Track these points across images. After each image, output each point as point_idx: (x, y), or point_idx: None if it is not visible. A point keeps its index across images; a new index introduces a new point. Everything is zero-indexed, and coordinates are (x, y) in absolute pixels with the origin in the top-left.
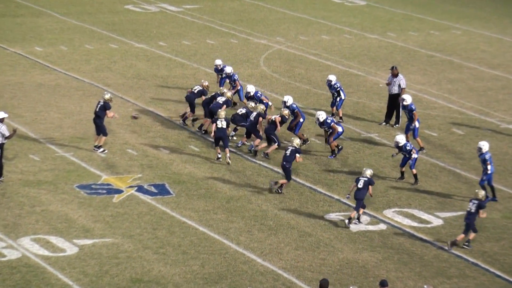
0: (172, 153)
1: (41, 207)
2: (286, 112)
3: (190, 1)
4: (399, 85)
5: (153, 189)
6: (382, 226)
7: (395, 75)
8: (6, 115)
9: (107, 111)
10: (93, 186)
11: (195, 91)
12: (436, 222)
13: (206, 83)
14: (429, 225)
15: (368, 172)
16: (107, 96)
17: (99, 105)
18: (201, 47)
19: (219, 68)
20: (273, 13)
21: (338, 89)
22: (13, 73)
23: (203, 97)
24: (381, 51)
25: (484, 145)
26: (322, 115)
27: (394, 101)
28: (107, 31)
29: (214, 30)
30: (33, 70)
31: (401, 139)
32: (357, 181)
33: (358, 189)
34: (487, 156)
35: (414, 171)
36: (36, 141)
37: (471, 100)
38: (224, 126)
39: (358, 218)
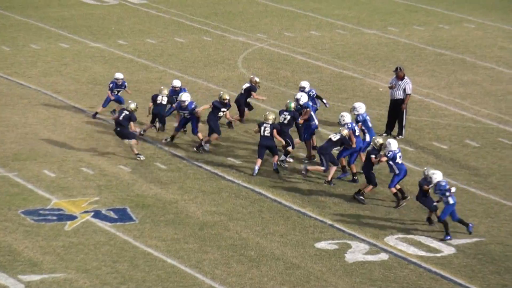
0: (134, 172)
1: None
2: (345, 132)
3: None
4: (404, 90)
5: (112, 215)
6: (384, 256)
7: (400, 77)
8: None
9: (131, 123)
10: (41, 212)
11: (243, 91)
12: (447, 250)
13: (256, 79)
14: (439, 254)
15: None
16: (132, 106)
17: (123, 114)
18: (169, 46)
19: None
20: (253, 5)
21: (314, 96)
22: None
23: (253, 94)
24: (381, 49)
25: (436, 174)
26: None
27: (397, 108)
28: (57, 28)
29: (183, 26)
30: None
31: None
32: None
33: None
34: (442, 186)
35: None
36: None
37: (487, 106)
38: (268, 134)
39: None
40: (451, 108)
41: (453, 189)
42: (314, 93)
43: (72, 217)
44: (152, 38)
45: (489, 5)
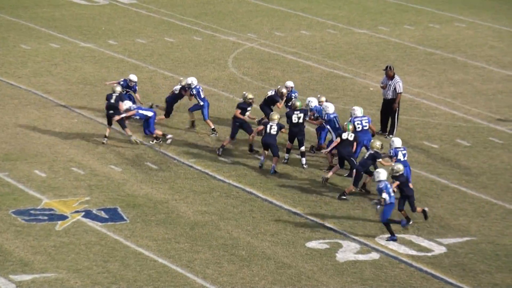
0: (125, 172)
1: None
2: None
3: None
4: (395, 89)
5: (103, 214)
6: (375, 255)
7: (390, 76)
8: None
9: (120, 103)
10: (32, 212)
11: (267, 97)
12: (438, 249)
13: (284, 90)
14: (430, 254)
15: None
16: (119, 88)
17: (113, 97)
18: (159, 46)
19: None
20: (243, 5)
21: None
22: None
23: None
24: (372, 48)
25: (380, 173)
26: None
27: (389, 108)
28: (47, 28)
29: (173, 26)
30: None
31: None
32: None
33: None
34: (381, 185)
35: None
36: None
37: (478, 105)
38: (275, 133)
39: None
40: (441, 107)
41: (384, 195)
42: (296, 95)
43: (63, 217)
44: (142, 38)
45: (479, 4)
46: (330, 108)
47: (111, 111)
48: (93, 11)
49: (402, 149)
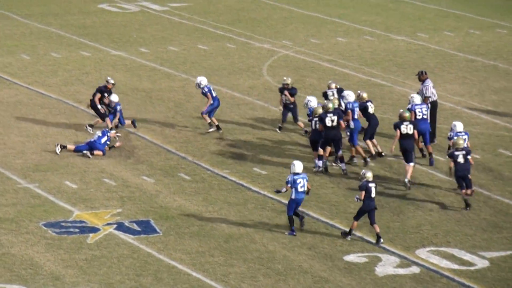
0: (158, 183)
1: (1, 250)
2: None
3: None
4: (423, 93)
5: (135, 227)
6: (415, 269)
7: (422, 81)
8: None
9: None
10: (63, 224)
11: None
12: (481, 263)
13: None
14: (472, 268)
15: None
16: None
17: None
18: (192, 53)
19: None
20: (277, 11)
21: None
22: None
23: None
24: (410, 55)
25: (295, 165)
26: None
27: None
28: (78, 35)
29: (206, 33)
30: None
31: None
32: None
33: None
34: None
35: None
36: None
37: None
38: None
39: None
40: (483, 116)
41: (283, 189)
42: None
43: (94, 230)
44: (174, 46)
45: None
46: (351, 96)
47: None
48: (124, 18)
49: (463, 134)
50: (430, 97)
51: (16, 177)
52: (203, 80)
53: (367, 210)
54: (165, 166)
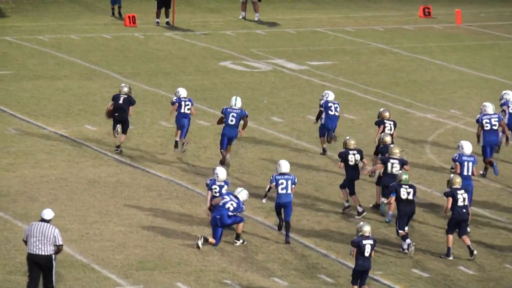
0: (292, 287)
1: None
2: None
3: (318, 55)
4: None
5: None
6: None
7: None
8: (53, 214)
9: (131, 107)
10: None
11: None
12: None
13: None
14: None
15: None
16: (126, 89)
17: (122, 98)
18: (338, 124)
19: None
20: (444, 73)
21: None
22: (52, 164)
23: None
24: None
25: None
26: None
27: None
28: (195, 99)
29: (354, 98)
30: (82, 160)
31: None
32: None
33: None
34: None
35: None
36: (86, 267)
37: None
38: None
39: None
40: None
41: (267, 188)
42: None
43: None
44: (314, 114)
45: None
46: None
47: (117, 114)
48: (252, 79)
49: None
50: None
51: (116, 276)
52: (183, 92)
53: (360, 270)
54: (302, 264)
